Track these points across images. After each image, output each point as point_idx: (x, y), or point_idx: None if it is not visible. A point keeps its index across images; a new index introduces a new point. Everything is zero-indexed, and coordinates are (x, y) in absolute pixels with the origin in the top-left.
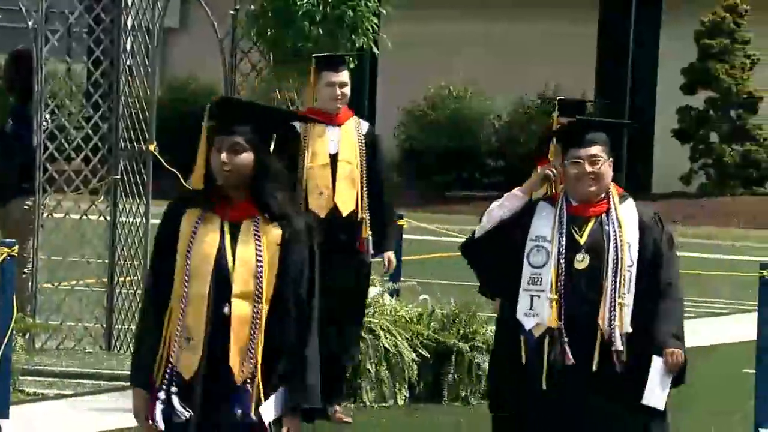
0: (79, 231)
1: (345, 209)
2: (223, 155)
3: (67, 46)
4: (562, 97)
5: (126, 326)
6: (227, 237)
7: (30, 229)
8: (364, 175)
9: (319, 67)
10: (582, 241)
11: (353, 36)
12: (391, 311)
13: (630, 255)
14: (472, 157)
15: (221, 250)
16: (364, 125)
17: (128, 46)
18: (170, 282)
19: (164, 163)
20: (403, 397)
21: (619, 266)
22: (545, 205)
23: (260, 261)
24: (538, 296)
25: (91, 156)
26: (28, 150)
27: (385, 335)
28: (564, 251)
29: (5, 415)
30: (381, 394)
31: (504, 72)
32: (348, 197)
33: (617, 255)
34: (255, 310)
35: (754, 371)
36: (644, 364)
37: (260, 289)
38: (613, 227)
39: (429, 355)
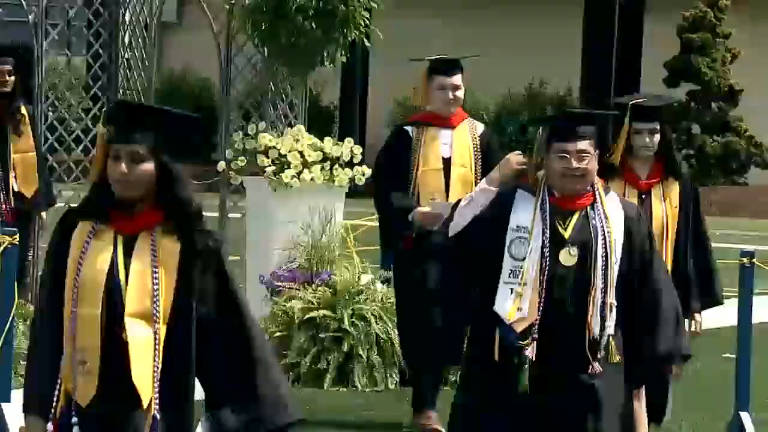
0: None
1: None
2: (122, 165)
3: (67, 39)
4: (637, 100)
5: None
6: (120, 251)
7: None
8: (479, 179)
9: (431, 70)
10: (567, 234)
11: (345, 30)
12: (382, 298)
13: (616, 252)
14: None
15: (113, 266)
16: (479, 126)
17: (126, 40)
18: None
19: None
20: (394, 382)
21: (609, 263)
22: (524, 194)
23: (156, 277)
24: (520, 291)
25: (91, 147)
26: None
27: (376, 321)
28: (548, 244)
29: (7, 399)
30: (373, 379)
31: (492, 65)
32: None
33: (606, 251)
34: (152, 331)
35: (734, 356)
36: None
37: (157, 308)
38: (600, 221)
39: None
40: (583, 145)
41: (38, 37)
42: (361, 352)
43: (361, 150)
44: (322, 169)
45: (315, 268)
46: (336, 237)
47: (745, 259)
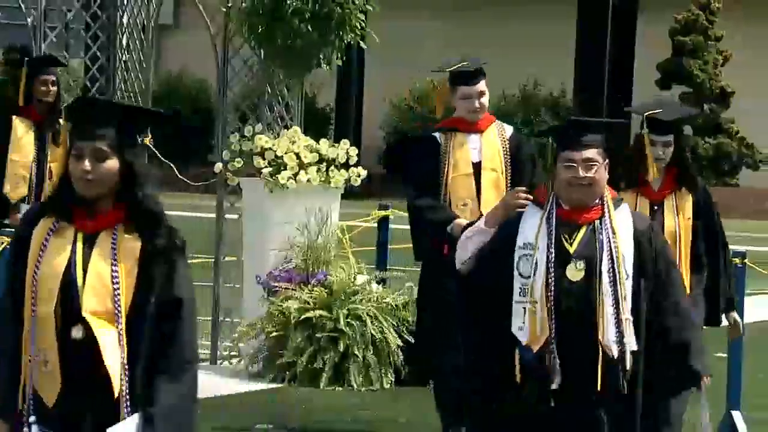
0: None
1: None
2: (85, 163)
3: (65, 42)
4: (652, 112)
5: None
6: (79, 250)
7: None
8: (510, 182)
9: (454, 81)
10: (572, 249)
11: (341, 33)
12: (377, 299)
13: (625, 267)
14: None
15: (71, 265)
16: (508, 129)
17: (124, 43)
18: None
19: (158, 155)
20: (389, 381)
21: (618, 278)
22: (533, 209)
23: (116, 277)
24: (532, 309)
25: None
26: None
27: (372, 322)
28: (553, 260)
29: None
30: (368, 378)
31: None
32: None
33: (612, 266)
34: (111, 331)
35: (726, 355)
36: (648, 390)
37: (117, 308)
38: (607, 235)
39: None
40: (591, 153)
41: (37, 39)
42: (356, 352)
43: (356, 151)
44: (318, 170)
45: (311, 269)
46: (332, 238)
47: (737, 260)
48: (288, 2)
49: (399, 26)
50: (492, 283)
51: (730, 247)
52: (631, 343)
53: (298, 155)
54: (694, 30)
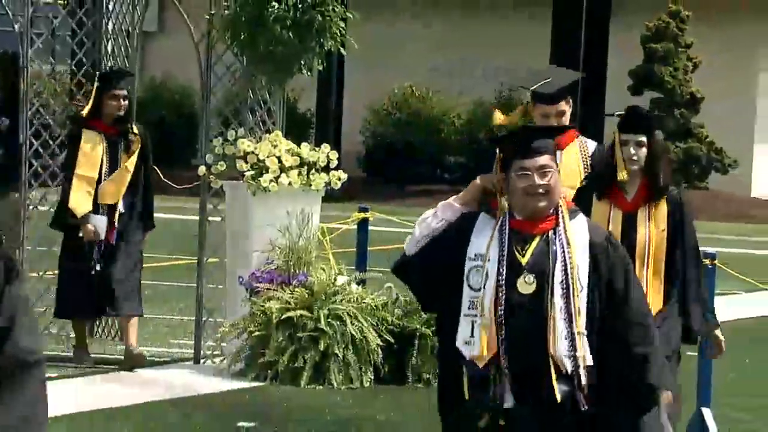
0: None
1: None
2: None
3: (52, 48)
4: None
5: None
6: None
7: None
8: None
9: (535, 98)
10: (524, 261)
11: (322, 39)
12: (357, 299)
13: (580, 279)
14: (433, 154)
15: None
16: (591, 145)
17: (109, 49)
18: None
19: None
20: (369, 380)
21: (571, 291)
22: (486, 219)
23: None
24: (479, 322)
25: None
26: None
27: (352, 321)
28: (504, 272)
29: None
30: (348, 377)
31: (463, 73)
32: None
33: (565, 278)
34: None
35: (696, 354)
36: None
37: None
38: (561, 246)
39: (393, 340)
40: (544, 160)
41: (24, 45)
42: (337, 351)
43: (336, 155)
44: (299, 173)
45: (292, 270)
46: (313, 239)
47: (707, 261)
48: (270, 10)
49: (379, 32)
50: (440, 276)
51: (701, 248)
52: (586, 358)
53: (279, 159)
54: (665, 37)
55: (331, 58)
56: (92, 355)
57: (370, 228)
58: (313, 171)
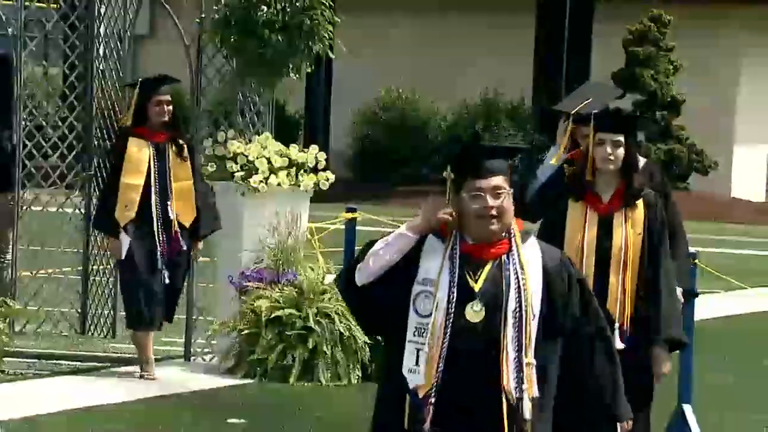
0: (55, 223)
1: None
2: None
3: (45, 51)
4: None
5: (99, 311)
6: None
7: (9, 221)
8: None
9: (577, 121)
10: (477, 287)
11: (310, 43)
12: None
13: (533, 306)
14: (420, 155)
15: None
16: (641, 158)
17: (101, 52)
18: None
19: None
20: (357, 377)
21: (524, 319)
22: (435, 242)
23: None
24: (425, 350)
25: (67, 153)
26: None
27: (340, 320)
28: (454, 299)
29: None
30: (336, 374)
31: (449, 77)
32: None
33: (519, 305)
34: None
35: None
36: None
37: None
38: (515, 272)
39: (380, 338)
40: (498, 181)
41: (17, 48)
42: (325, 349)
43: (325, 156)
44: (288, 174)
45: (281, 269)
46: (301, 239)
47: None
48: (259, 14)
49: (366, 35)
50: (386, 304)
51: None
52: (533, 390)
53: (269, 160)
54: (647, 41)
55: (320, 61)
56: (85, 353)
57: (357, 228)
58: (302, 172)
